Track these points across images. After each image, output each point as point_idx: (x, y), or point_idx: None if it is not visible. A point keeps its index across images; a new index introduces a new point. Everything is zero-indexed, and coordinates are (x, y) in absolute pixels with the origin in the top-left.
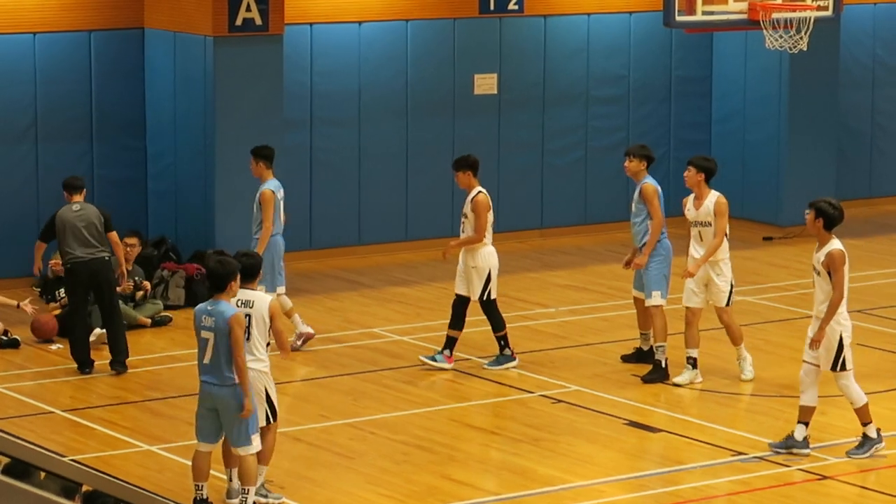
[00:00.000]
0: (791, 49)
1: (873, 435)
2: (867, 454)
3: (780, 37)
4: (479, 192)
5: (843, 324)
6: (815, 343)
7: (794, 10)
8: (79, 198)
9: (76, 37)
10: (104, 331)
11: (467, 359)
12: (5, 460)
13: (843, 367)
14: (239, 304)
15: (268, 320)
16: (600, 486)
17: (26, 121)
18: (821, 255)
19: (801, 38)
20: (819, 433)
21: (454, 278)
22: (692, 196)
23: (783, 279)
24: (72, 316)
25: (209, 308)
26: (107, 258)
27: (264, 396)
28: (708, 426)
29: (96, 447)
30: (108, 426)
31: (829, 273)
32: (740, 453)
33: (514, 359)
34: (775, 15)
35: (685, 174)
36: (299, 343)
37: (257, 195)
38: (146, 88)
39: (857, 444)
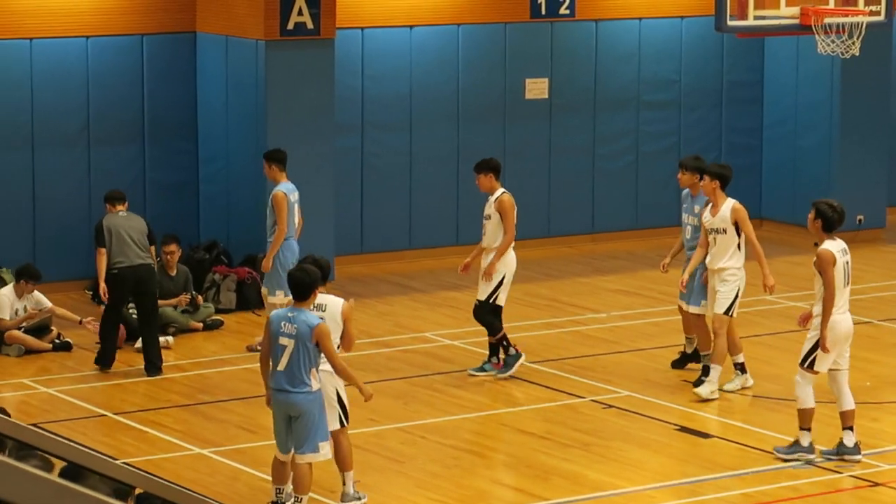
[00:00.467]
0: (843, 54)
1: (805, 444)
2: (792, 456)
3: (832, 42)
4: (503, 192)
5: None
6: (821, 347)
7: (846, 15)
8: (122, 208)
9: (129, 41)
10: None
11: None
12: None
13: (810, 367)
14: (312, 308)
15: (340, 322)
16: (650, 492)
17: (79, 124)
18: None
19: (853, 42)
20: (871, 439)
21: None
22: (709, 204)
23: None
24: (110, 317)
25: (290, 315)
26: (152, 266)
27: (335, 399)
28: (759, 432)
29: (147, 450)
30: (160, 429)
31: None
32: (791, 459)
33: (521, 354)
34: (827, 20)
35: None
36: None
37: (270, 198)
38: (198, 92)
39: (788, 443)
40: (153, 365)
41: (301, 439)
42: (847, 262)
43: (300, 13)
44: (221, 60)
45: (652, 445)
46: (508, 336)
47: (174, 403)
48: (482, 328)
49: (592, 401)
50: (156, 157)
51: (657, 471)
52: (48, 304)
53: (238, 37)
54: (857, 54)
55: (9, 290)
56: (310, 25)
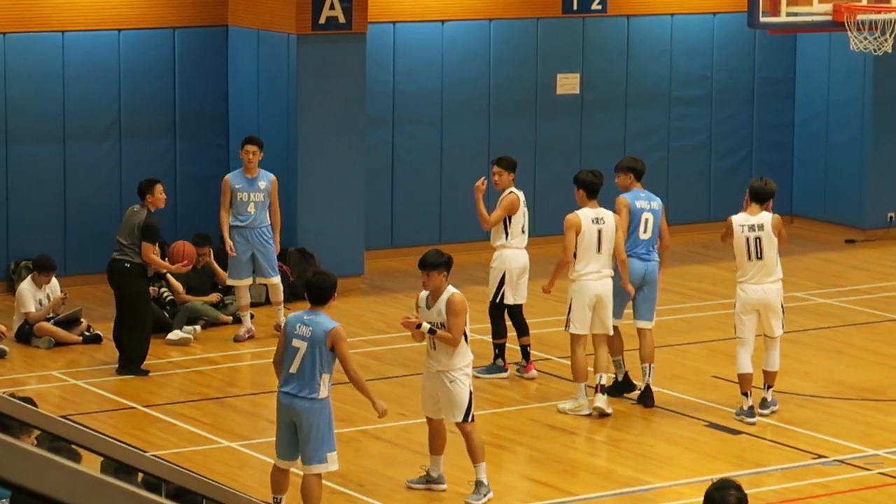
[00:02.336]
0: (876, 51)
1: (745, 407)
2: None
3: (865, 38)
4: (513, 191)
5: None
6: None
7: (879, 12)
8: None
9: (160, 34)
10: (185, 333)
11: (547, 359)
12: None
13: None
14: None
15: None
16: (680, 488)
17: (110, 117)
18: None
19: (887, 39)
20: None
21: (537, 279)
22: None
23: (865, 282)
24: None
25: (306, 318)
26: (123, 262)
27: (467, 394)
28: (788, 429)
29: (177, 443)
30: (189, 422)
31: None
32: (821, 456)
33: (507, 370)
34: (860, 16)
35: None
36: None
37: (270, 184)
38: (229, 86)
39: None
40: (120, 363)
41: (307, 451)
42: (758, 238)
43: (332, 7)
44: (253, 54)
45: (681, 441)
46: (531, 336)
47: (204, 396)
48: (510, 323)
49: (622, 397)
50: (187, 150)
51: (686, 467)
52: (59, 292)
53: (270, 30)
54: (890, 51)
55: (28, 282)
56: (341, 20)
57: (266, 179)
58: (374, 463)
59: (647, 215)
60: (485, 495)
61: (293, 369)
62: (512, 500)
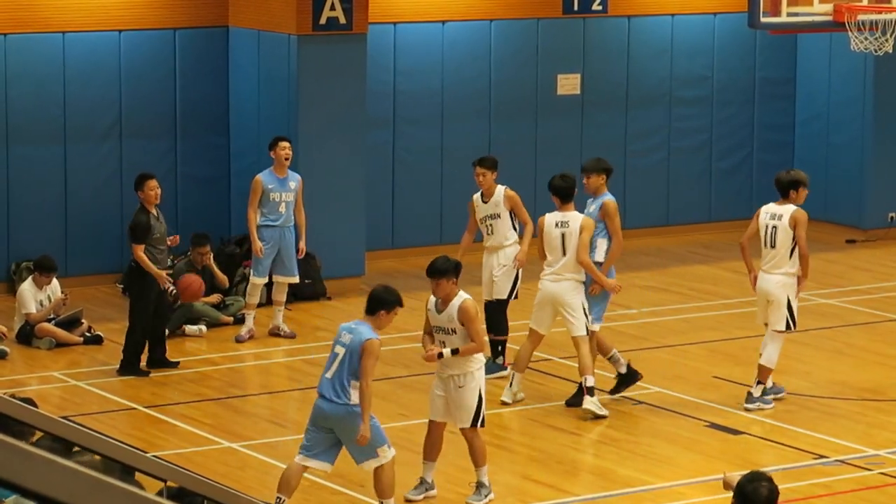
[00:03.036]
0: (876, 51)
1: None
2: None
3: (866, 39)
4: (507, 188)
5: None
6: None
7: (879, 13)
8: None
9: (161, 35)
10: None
11: (548, 359)
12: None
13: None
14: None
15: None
16: (680, 488)
17: (111, 118)
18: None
19: (887, 40)
20: None
21: (530, 280)
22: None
23: (866, 282)
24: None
25: (353, 325)
26: (133, 264)
27: (476, 398)
28: (789, 429)
29: (177, 444)
30: (190, 423)
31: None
32: (822, 456)
33: (506, 368)
34: (861, 17)
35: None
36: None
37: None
38: (230, 86)
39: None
40: (121, 363)
41: (356, 453)
42: (775, 227)
43: (332, 8)
44: (254, 55)
45: (682, 442)
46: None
47: (204, 397)
48: (512, 324)
49: (622, 397)
50: (187, 151)
51: (687, 467)
52: (59, 293)
53: (270, 31)
54: (891, 51)
55: (29, 283)
56: (342, 20)
57: (295, 180)
58: None
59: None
60: (486, 496)
61: (329, 374)
62: (512, 500)
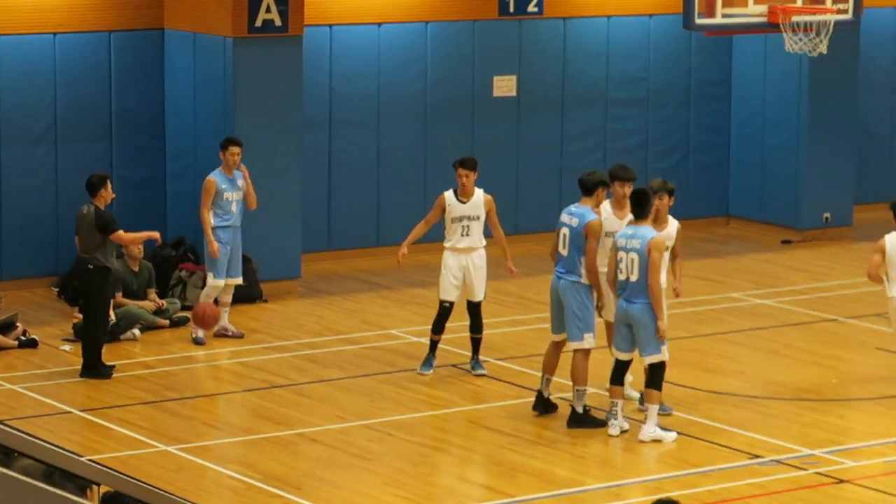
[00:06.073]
0: (811, 52)
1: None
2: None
3: (800, 40)
4: (484, 191)
5: None
6: None
7: (814, 14)
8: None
9: (96, 37)
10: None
11: (485, 360)
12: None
13: None
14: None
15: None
16: (617, 489)
17: (46, 121)
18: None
19: (821, 41)
20: (837, 436)
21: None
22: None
23: (801, 283)
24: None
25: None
26: (90, 266)
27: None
28: (725, 429)
29: (114, 447)
30: (126, 426)
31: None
32: (757, 456)
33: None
34: (795, 18)
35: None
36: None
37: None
38: (166, 89)
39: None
40: (84, 366)
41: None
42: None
43: (268, 10)
44: (189, 57)
45: (618, 442)
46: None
47: (140, 400)
48: (449, 325)
49: (559, 398)
50: (123, 153)
51: (623, 468)
52: None
53: (206, 34)
54: (825, 52)
55: None
56: (278, 22)
57: (240, 177)
58: (312, 465)
59: (564, 230)
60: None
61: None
62: (450, 502)
